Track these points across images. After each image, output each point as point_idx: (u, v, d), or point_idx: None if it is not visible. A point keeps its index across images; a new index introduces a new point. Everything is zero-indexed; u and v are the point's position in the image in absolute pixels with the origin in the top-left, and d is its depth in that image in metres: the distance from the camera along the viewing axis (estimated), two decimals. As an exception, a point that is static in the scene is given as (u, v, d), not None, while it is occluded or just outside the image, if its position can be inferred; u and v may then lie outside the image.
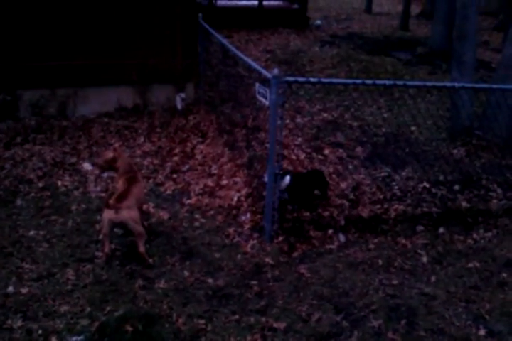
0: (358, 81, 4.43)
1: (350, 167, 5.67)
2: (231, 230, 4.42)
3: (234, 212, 4.68)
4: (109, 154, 4.17)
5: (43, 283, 3.66)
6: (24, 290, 3.56)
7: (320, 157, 5.86)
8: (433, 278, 3.93)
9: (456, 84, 4.92)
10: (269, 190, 4.21)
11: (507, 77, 6.40)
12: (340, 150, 6.08)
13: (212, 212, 4.70)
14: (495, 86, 5.11)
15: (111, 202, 3.71)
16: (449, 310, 3.58)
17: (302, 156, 5.79)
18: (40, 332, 3.20)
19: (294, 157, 5.72)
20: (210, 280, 3.78)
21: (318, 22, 14.11)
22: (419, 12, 17.00)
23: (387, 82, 4.52)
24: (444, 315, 3.53)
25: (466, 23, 6.63)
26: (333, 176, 5.40)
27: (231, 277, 3.84)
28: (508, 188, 5.33)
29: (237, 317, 3.42)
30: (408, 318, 3.48)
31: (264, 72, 4.20)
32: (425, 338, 3.32)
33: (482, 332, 3.39)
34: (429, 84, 4.95)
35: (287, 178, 4.47)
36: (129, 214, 3.71)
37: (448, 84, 5.32)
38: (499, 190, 5.30)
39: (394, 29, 14.25)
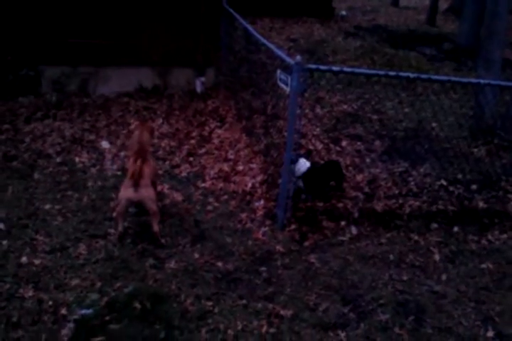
0: (381, 72, 4.35)
1: (368, 160, 5.62)
2: (244, 216, 4.42)
3: (248, 197, 4.68)
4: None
5: (55, 255, 3.71)
6: (37, 262, 3.62)
7: (337, 148, 5.81)
8: (444, 277, 3.89)
9: (482, 81, 4.79)
10: (284, 178, 4.19)
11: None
12: (359, 143, 6.01)
13: (226, 197, 4.70)
14: (522, 85, 4.97)
15: (131, 181, 3.70)
16: (458, 310, 3.55)
17: (320, 147, 5.74)
18: (50, 303, 3.26)
19: (311, 147, 5.68)
20: (219, 264, 3.79)
21: (344, 13, 13.89)
22: (447, 7, 16.61)
23: (411, 75, 4.41)
24: (452, 314, 3.50)
25: (496, 20, 6.47)
26: (350, 168, 5.35)
27: (241, 262, 3.85)
28: (527, 191, 5.23)
29: (244, 301, 3.44)
30: (416, 315, 3.46)
31: (287, 59, 4.16)
32: (432, 336, 3.30)
33: (490, 333, 3.35)
34: (454, 79, 4.83)
35: (306, 165, 4.41)
36: (147, 192, 3.74)
37: (473, 80, 5.17)
38: (518, 193, 5.21)
39: (420, 24, 13.96)
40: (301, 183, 4.47)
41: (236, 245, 4.04)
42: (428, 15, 14.27)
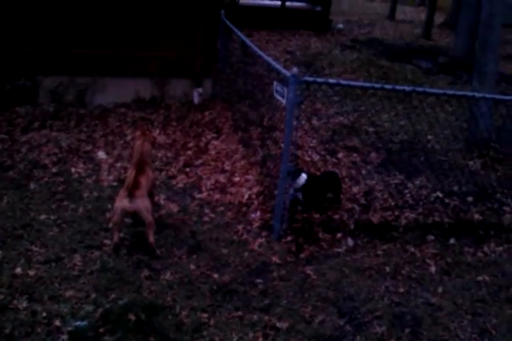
0: (377, 85, 4.40)
1: (364, 172, 5.64)
2: (240, 227, 4.41)
3: (244, 209, 4.68)
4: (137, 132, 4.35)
5: (50, 266, 3.69)
6: (32, 273, 3.59)
7: (334, 160, 5.83)
8: (440, 289, 3.88)
9: (477, 94, 4.85)
10: (281, 189, 4.20)
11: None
12: (355, 155, 6.04)
13: (222, 208, 4.70)
14: (517, 98, 5.02)
15: (126, 191, 3.71)
16: (454, 322, 3.54)
17: (316, 158, 5.76)
18: (44, 314, 3.22)
19: (307, 158, 5.70)
20: (215, 275, 3.78)
21: (340, 26, 14.06)
22: (442, 21, 16.85)
23: (406, 88, 4.47)
24: (449, 327, 3.49)
25: (490, 32, 6.54)
26: (346, 180, 5.36)
27: (237, 273, 3.83)
28: (522, 203, 5.25)
29: (240, 313, 3.42)
30: (412, 327, 3.44)
31: (284, 71, 4.20)
32: (428, 348, 3.29)
33: (487, 346, 3.35)
34: (449, 92, 4.89)
35: (304, 177, 4.44)
36: (142, 203, 3.74)
37: (468, 93, 5.24)
38: (513, 205, 5.23)
39: (416, 37, 14.14)
40: (300, 195, 4.48)
41: (232, 256, 4.03)
42: (424, 28, 14.47)
